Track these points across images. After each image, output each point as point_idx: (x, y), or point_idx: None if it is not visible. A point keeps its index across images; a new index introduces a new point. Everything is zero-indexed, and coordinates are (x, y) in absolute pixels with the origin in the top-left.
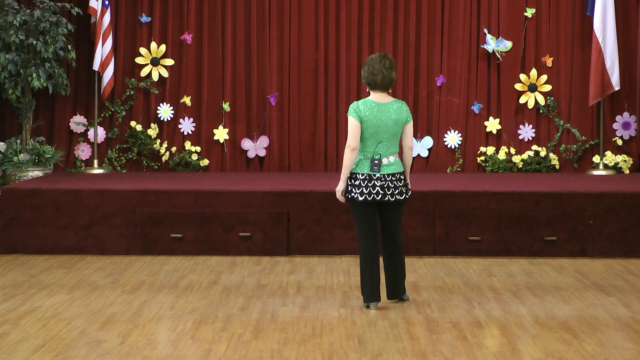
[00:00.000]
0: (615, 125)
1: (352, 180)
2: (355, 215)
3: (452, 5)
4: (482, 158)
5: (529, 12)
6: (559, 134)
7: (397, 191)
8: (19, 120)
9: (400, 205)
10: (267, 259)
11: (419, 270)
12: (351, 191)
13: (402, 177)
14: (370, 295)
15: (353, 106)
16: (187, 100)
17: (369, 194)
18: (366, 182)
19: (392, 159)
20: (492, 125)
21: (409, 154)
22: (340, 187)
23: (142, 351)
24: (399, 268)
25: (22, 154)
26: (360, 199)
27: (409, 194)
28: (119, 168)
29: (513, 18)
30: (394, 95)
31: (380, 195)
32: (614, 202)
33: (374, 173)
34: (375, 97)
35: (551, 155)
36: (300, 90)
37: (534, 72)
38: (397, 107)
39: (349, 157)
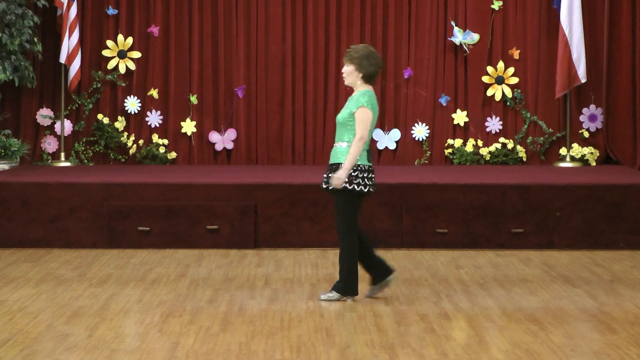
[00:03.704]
0: (581, 118)
1: (357, 172)
2: (351, 208)
3: None
4: (450, 150)
5: (496, 5)
6: (526, 126)
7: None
8: None
9: None
10: (234, 251)
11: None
12: (358, 183)
13: None
14: (355, 289)
15: (368, 97)
16: (154, 93)
17: (372, 185)
18: (369, 174)
19: None
20: (460, 117)
21: None
22: (343, 176)
23: (110, 345)
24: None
25: None
26: (365, 190)
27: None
28: (85, 161)
29: (480, 10)
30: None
31: (370, 187)
32: (581, 194)
33: (371, 164)
34: (371, 89)
35: (518, 147)
36: (268, 83)
37: (501, 65)
38: None
39: (360, 149)
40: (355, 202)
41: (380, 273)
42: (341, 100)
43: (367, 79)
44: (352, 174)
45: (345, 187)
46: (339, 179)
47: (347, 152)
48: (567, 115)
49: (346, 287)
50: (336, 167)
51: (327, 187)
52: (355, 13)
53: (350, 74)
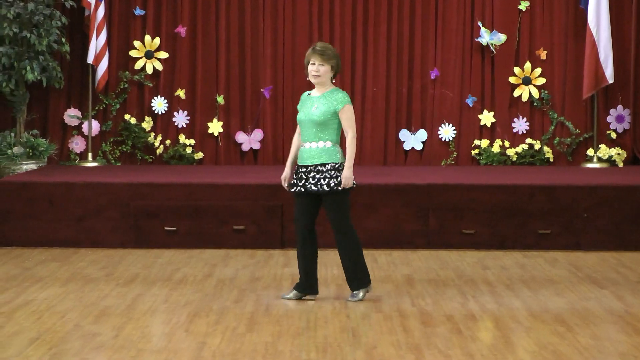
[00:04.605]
0: (609, 119)
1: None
2: (348, 204)
3: None
4: (476, 151)
5: (523, 5)
6: (553, 127)
7: None
8: (13, 113)
9: None
10: (261, 251)
11: (413, 263)
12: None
13: None
14: (369, 275)
15: (347, 96)
16: (181, 93)
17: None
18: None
19: None
20: (486, 118)
21: None
22: (351, 175)
23: (136, 344)
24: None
25: (16, 147)
26: (355, 185)
27: None
28: (113, 161)
29: (507, 11)
30: (388, 87)
31: None
32: (608, 195)
33: None
34: None
35: (545, 148)
36: (295, 83)
37: (528, 65)
38: None
39: (355, 146)
40: (349, 198)
41: (309, 286)
42: (367, 100)
43: (334, 77)
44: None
45: (344, 186)
46: (349, 178)
47: (335, 151)
48: (594, 116)
49: (364, 278)
50: (324, 167)
51: (334, 188)
52: (382, 13)
53: (325, 72)
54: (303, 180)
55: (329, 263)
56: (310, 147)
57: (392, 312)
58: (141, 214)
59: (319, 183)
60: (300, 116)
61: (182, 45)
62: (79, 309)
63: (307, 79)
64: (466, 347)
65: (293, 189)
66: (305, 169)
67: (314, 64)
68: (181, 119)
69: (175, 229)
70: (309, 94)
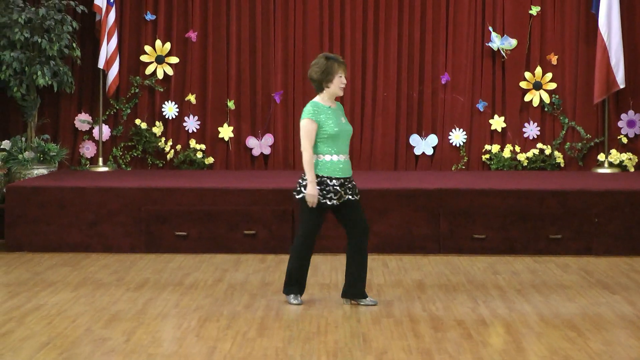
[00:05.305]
0: (620, 124)
1: None
2: None
3: (457, 3)
4: (487, 156)
5: (534, 10)
6: (564, 132)
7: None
8: (24, 118)
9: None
10: (272, 256)
11: (424, 268)
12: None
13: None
14: None
15: None
16: (191, 98)
17: None
18: None
19: None
20: (497, 123)
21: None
22: None
23: (147, 349)
24: None
25: (27, 152)
26: None
27: (299, 195)
28: (123, 166)
29: (518, 16)
30: (398, 92)
31: None
32: (619, 200)
33: None
34: None
35: (556, 153)
36: (305, 88)
37: (538, 70)
38: None
39: None
40: None
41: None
42: (378, 105)
43: None
44: None
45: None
46: None
47: None
48: (605, 121)
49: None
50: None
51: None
52: (392, 18)
53: None
54: (344, 193)
55: (340, 267)
56: (347, 159)
57: (403, 317)
58: (152, 218)
59: (355, 190)
60: (337, 129)
61: (193, 50)
62: (89, 313)
63: (331, 89)
64: (477, 352)
65: (330, 203)
66: (348, 181)
67: (341, 76)
68: (192, 123)
69: (186, 233)
70: (329, 107)
